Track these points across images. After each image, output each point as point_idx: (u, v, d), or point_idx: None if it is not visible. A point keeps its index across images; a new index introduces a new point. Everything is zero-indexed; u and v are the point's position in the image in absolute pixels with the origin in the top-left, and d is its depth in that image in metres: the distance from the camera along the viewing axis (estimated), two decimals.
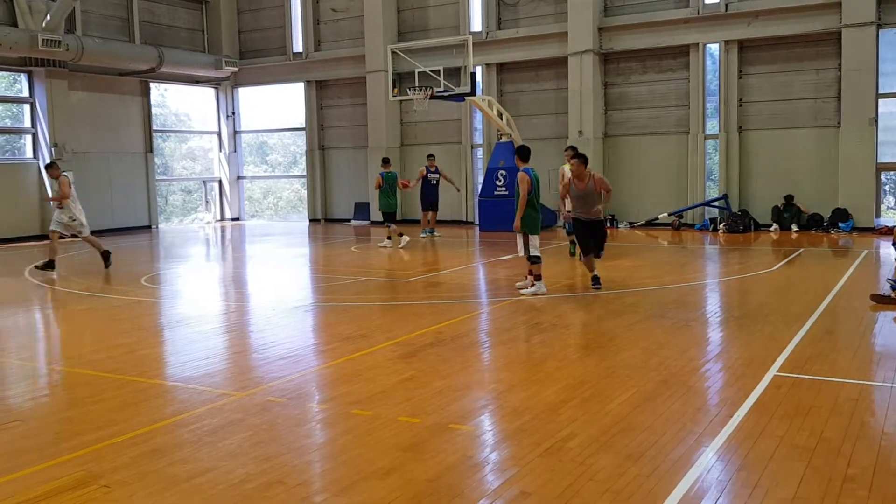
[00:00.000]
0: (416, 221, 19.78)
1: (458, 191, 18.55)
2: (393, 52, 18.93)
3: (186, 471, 4.41)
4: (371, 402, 5.63)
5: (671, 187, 19.37)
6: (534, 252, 10.02)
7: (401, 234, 16.35)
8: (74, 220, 13.23)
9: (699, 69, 18.72)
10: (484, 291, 11.26)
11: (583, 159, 10.10)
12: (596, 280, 10.30)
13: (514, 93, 21.20)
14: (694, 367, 6.56)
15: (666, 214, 18.97)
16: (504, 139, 19.18)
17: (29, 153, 20.35)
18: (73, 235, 13.77)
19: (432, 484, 4.16)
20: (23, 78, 20.21)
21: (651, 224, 19.20)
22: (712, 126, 19.08)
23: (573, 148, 12.66)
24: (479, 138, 21.96)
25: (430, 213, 18.13)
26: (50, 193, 13.58)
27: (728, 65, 18.49)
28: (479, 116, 21.35)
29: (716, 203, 18.66)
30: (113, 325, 8.98)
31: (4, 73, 20.11)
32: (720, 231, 17.83)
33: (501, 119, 19.08)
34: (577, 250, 12.56)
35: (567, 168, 12.37)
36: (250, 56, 24.99)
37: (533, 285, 10.10)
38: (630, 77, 19.78)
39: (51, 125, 19.96)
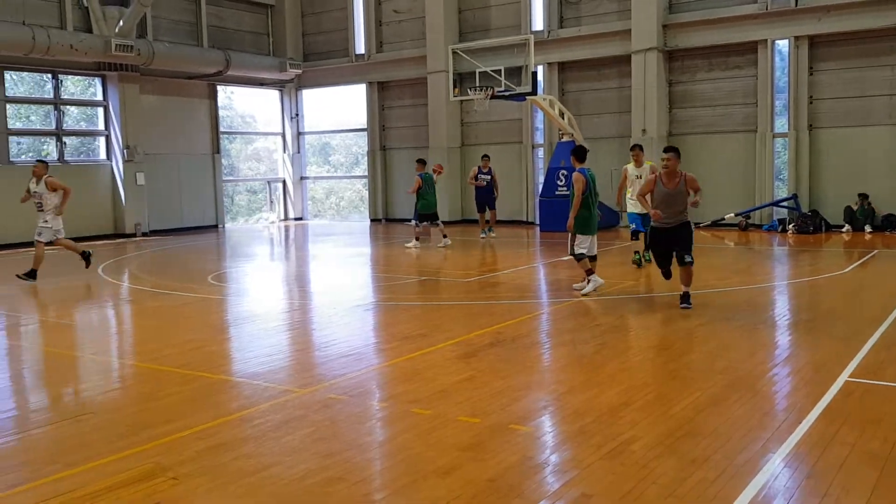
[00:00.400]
0: (475, 222, 19.76)
1: (495, 197, 18.23)
2: (454, 53, 18.96)
3: (251, 465, 4.50)
4: (431, 401, 5.65)
5: (738, 187, 18.91)
6: (578, 250, 10.00)
7: (418, 238, 16.42)
8: (46, 223, 12.48)
9: (767, 66, 18.23)
10: (544, 292, 11.18)
11: (676, 153, 8.83)
12: (667, 274, 9.24)
13: (576, 92, 21.00)
14: (761, 370, 6.39)
15: (733, 215, 18.53)
16: (566, 139, 19.01)
17: (103, 155, 21.07)
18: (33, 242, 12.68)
19: (492, 484, 4.16)
20: (97, 82, 20.94)
21: (717, 224, 18.79)
22: (781, 124, 18.57)
23: (640, 146, 12.44)
24: (540, 138, 21.84)
25: (487, 213, 17.98)
26: (42, 196, 12.41)
27: (798, 61, 17.95)
28: (540, 116, 21.23)
29: (785, 203, 18.14)
30: (181, 321, 9.23)
31: (80, 78, 20.86)
32: (789, 232, 17.33)
33: (563, 118, 18.93)
34: (642, 257, 12.24)
35: (630, 168, 12.13)
36: (314, 58, 25.36)
37: (588, 282, 10.04)
38: (696, 75, 19.39)
39: (123, 127, 20.62)
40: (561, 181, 18.80)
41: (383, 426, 5.32)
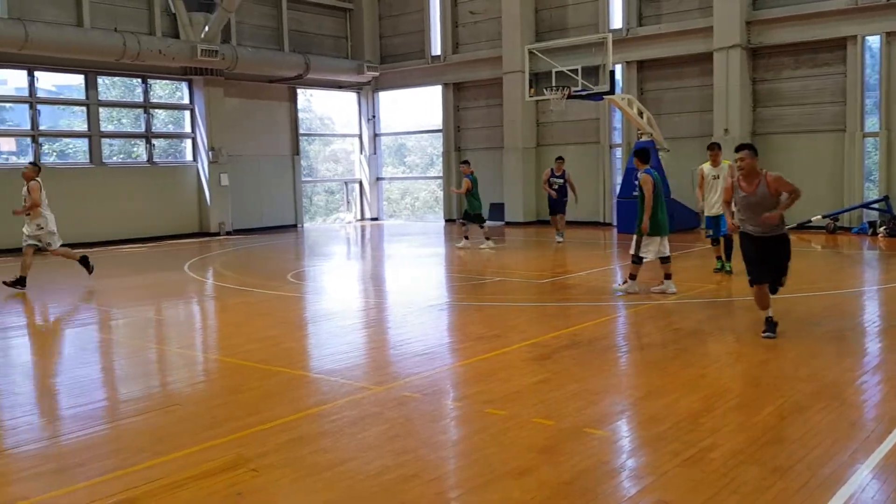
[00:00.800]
0: (550, 223, 19.60)
1: (576, 202, 17.44)
2: (530, 53, 18.88)
3: (328, 459, 4.59)
4: (505, 401, 5.64)
5: (826, 188, 18.21)
6: (642, 253, 9.95)
7: (488, 238, 16.27)
8: (42, 228, 11.74)
9: (857, 63, 17.50)
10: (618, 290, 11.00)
11: (751, 151, 7.32)
12: (770, 325, 7.46)
13: (656, 90, 20.62)
14: (849, 378, 6.15)
15: (820, 217, 17.87)
16: (644, 138, 18.70)
17: (189, 156, 21.82)
18: (43, 249, 12.06)
19: (567, 487, 4.13)
20: (184, 86, 21.69)
21: (804, 227, 18.14)
22: (872, 123, 17.80)
23: (717, 145, 11.91)
24: (618, 138, 21.53)
25: (559, 216, 17.38)
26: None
27: (890, 58, 17.18)
28: (618, 115, 20.93)
29: (875, 205, 17.39)
30: (262, 318, 9.47)
31: (168, 82, 21.66)
32: (880, 235, 16.60)
33: (642, 118, 18.62)
34: (726, 265, 11.63)
35: (707, 167, 11.55)
36: (390, 60, 25.65)
37: (626, 282, 10.07)
38: (781, 72, 18.78)
39: (208, 130, 21.31)
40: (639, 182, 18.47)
41: (457, 425, 5.35)
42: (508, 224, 22.46)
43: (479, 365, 6.84)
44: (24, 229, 11.84)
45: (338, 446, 4.83)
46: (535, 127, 22.74)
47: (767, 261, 7.33)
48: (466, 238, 16.55)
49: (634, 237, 10.08)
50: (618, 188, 20.13)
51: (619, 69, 20.21)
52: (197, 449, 4.79)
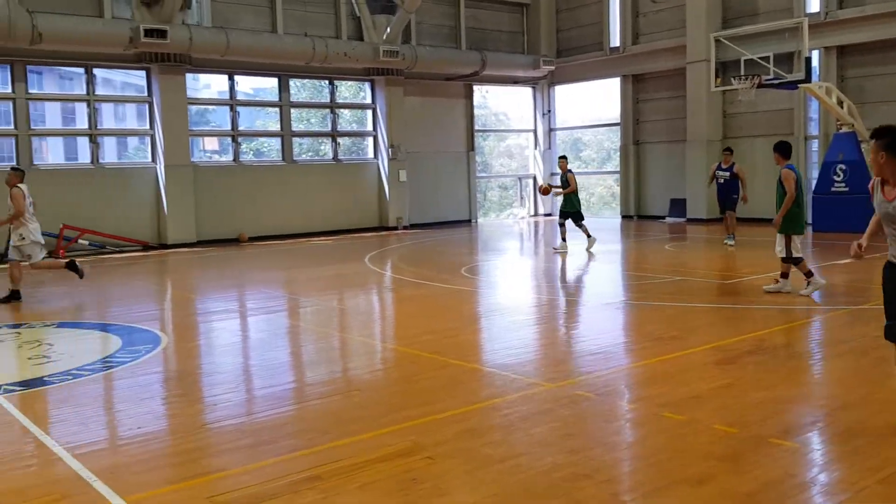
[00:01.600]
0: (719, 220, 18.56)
1: (745, 202, 15.18)
2: (716, 40, 18.00)
3: (499, 453, 4.61)
4: (684, 406, 5.42)
5: None
6: (796, 254, 9.52)
7: (564, 239, 15.61)
8: (24, 238, 10.70)
9: None
10: (814, 297, 10.24)
11: (890, 140, 4.67)
12: None
13: (858, 78, 18.97)
14: None
15: None
16: (844, 129, 17.30)
17: (370, 153, 22.77)
18: (22, 260, 10.86)
19: (750, 499, 3.89)
20: (366, 86, 22.65)
21: None
22: None
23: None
24: (814, 129, 20.03)
25: (728, 214, 15.54)
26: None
27: None
28: (814, 105, 19.48)
29: None
30: (437, 310, 9.70)
31: (352, 83, 22.71)
32: None
33: (842, 107, 17.22)
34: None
35: None
36: (567, 54, 25.37)
37: (809, 284, 9.53)
38: None
39: (388, 128, 22.12)
40: (839, 176, 17.15)
41: (632, 427, 5.20)
42: (690, 221, 21.57)
43: (656, 367, 6.61)
44: (10, 242, 10.91)
45: (509, 440, 4.85)
46: (720, 118, 21.65)
47: None
48: (564, 239, 15.73)
49: (780, 238, 9.61)
50: (814, 183, 18.72)
51: (815, 55, 18.80)
52: (375, 434, 4.98)
